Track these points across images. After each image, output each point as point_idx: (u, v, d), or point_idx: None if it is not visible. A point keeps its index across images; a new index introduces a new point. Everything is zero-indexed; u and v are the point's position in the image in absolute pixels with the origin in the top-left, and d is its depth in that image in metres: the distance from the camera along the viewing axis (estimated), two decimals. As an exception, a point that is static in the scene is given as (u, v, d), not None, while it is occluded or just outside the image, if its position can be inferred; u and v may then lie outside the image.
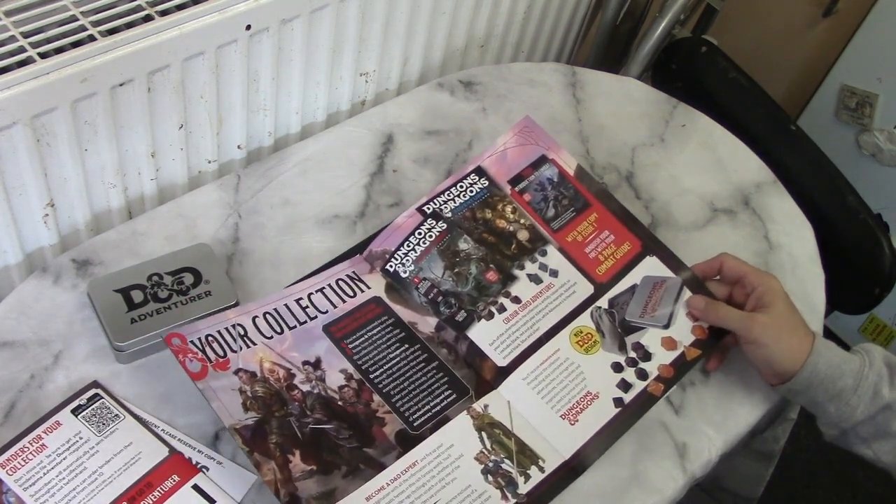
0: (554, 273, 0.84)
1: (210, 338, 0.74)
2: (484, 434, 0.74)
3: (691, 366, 0.81)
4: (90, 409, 0.72)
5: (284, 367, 0.74)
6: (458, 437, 0.73)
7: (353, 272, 0.83)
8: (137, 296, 0.78)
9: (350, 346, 0.77)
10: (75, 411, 0.72)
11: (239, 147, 0.97)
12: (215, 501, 0.69)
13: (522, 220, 0.87)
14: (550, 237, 0.86)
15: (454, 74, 1.10)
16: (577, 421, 0.75)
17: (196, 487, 0.69)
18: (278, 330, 0.77)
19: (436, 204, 0.87)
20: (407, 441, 0.73)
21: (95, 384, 0.74)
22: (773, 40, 1.71)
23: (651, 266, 0.87)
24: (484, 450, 0.73)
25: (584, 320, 0.82)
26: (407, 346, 0.78)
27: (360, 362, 0.76)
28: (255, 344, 0.75)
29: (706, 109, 1.11)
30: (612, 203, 0.90)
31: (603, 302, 0.83)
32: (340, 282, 0.82)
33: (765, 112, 1.21)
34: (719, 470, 0.81)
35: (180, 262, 0.81)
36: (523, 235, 0.86)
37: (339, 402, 0.73)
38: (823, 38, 1.64)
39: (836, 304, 1.13)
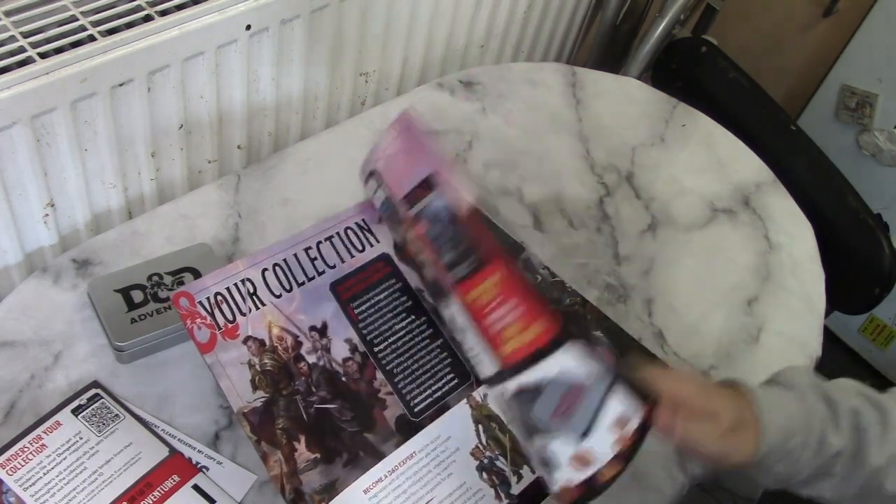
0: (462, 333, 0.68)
1: (220, 297, 0.74)
2: (481, 427, 0.74)
3: (603, 489, 0.60)
4: (90, 409, 0.72)
5: (292, 334, 0.74)
6: (455, 429, 0.73)
7: (363, 220, 0.81)
8: (137, 296, 0.78)
9: (356, 311, 0.76)
10: (75, 411, 0.72)
11: (239, 147, 0.97)
12: (215, 501, 0.69)
13: (424, 258, 0.68)
14: (450, 290, 0.66)
15: (454, 74, 1.10)
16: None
17: (196, 487, 0.69)
18: (287, 287, 0.76)
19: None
20: (406, 428, 0.73)
21: (95, 384, 0.74)
22: (773, 40, 1.71)
23: (571, 358, 0.62)
24: (479, 444, 0.73)
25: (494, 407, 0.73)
26: (413, 317, 0.77)
27: (365, 332, 0.76)
28: (263, 305, 0.75)
29: (706, 109, 1.11)
30: (518, 268, 0.70)
31: (510, 384, 0.64)
32: (349, 231, 0.80)
33: (765, 112, 1.21)
34: (719, 470, 0.81)
35: (180, 262, 0.81)
36: (429, 275, 0.69)
37: (343, 378, 0.73)
38: (823, 38, 1.64)
39: (836, 304, 1.13)
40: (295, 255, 0.78)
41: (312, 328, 0.75)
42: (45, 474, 0.68)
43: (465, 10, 1.11)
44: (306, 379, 0.73)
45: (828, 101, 1.62)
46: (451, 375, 0.76)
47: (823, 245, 0.98)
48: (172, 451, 0.71)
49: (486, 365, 0.65)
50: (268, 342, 0.73)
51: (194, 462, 0.71)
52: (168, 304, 0.78)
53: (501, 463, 0.73)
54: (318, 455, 0.70)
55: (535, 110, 1.08)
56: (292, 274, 0.77)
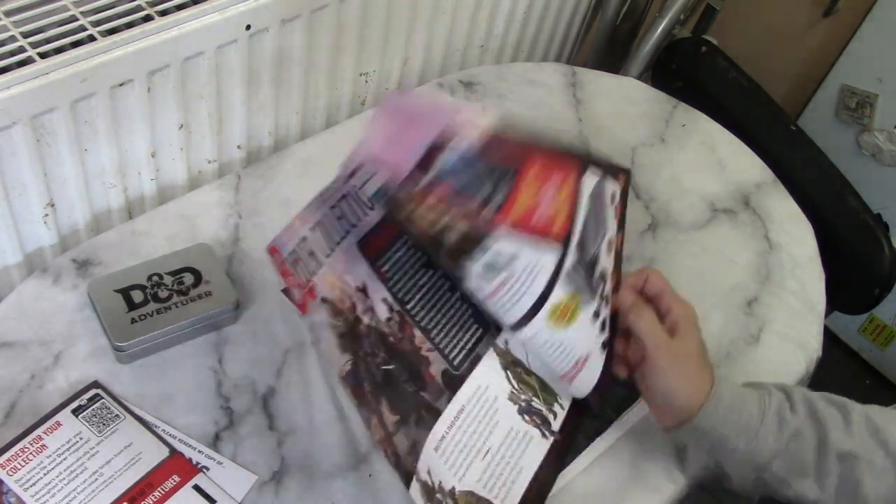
0: (509, 263, 0.67)
1: (294, 257, 0.71)
2: (509, 373, 0.73)
3: (621, 257, 0.76)
4: (90, 409, 0.72)
5: (348, 296, 0.72)
6: (491, 378, 0.72)
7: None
8: (137, 296, 0.78)
9: (384, 269, 0.73)
10: (76, 412, 0.72)
11: (239, 147, 0.97)
12: (216, 502, 0.69)
13: (449, 219, 0.65)
14: (494, 224, 0.66)
15: (454, 74, 1.10)
16: (574, 381, 0.74)
17: (197, 488, 0.69)
18: (331, 246, 0.73)
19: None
20: (452, 382, 0.71)
21: (96, 384, 0.74)
22: (773, 40, 1.71)
23: (591, 181, 0.73)
24: (514, 389, 0.72)
25: (558, 295, 0.69)
26: (432, 271, 0.74)
27: (395, 290, 0.73)
28: (321, 265, 0.72)
29: (706, 109, 1.11)
30: (544, 140, 0.71)
31: (570, 257, 0.69)
32: (356, 189, 0.74)
33: (765, 112, 1.21)
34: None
35: (180, 262, 0.81)
36: (455, 236, 0.65)
37: (391, 339, 0.72)
38: (823, 38, 1.64)
39: (836, 304, 1.13)
40: (326, 214, 0.73)
41: (358, 289, 0.72)
42: (45, 475, 0.68)
43: (465, 10, 1.11)
44: (368, 340, 0.71)
45: (828, 101, 1.62)
46: (476, 325, 0.74)
47: (823, 245, 0.98)
48: (173, 451, 0.71)
49: (547, 261, 0.67)
50: (336, 303, 0.71)
51: (195, 462, 0.71)
52: (168, 305, 0.78)
53: (537, 403, 0.73)
54: (398, 417, 0.69)
55: (535, 110, 1.08)
56: (329, 233, 0.73)
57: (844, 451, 0.67)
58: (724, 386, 0.70)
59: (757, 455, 0.68)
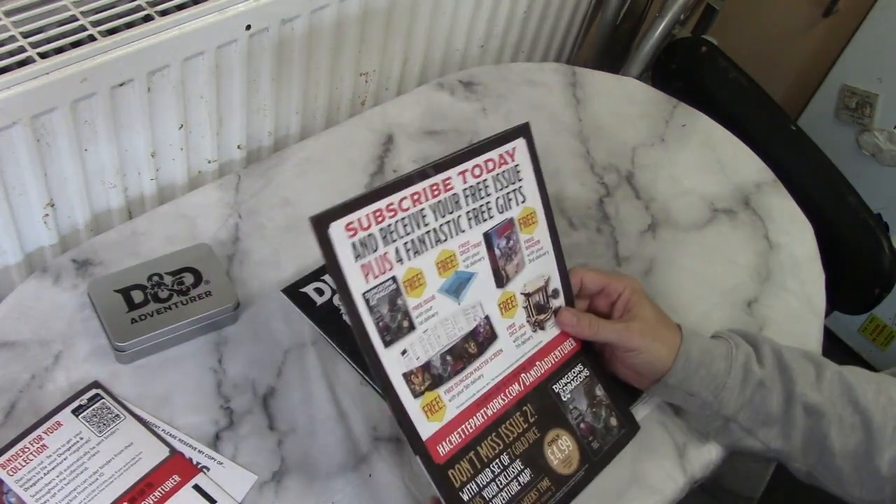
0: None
1: None
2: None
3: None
4: (91, 409, 0.72)
5: None
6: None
7: None
8: (138, 296, 0.78)
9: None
10: (76, 411, 0.72)
11: (239, 147, 0.97)
12: (216, 502, 0.69)
13: None
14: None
15: (454, 74, 1.10)
16: None
17: (197, 487, 0.69)
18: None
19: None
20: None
21: (96, 384, 0.74)
22: (773, 40, 1.71)
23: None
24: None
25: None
26: None
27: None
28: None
29: (706, 109, 1.11)
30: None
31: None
32: None
33: (765, 112, 1.21)
34: (720, 470, 0.81)
35: (180, 262, 0.81)
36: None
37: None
38: (823, 38, 1.64)
39: (836, 304, 1.13)
40: None
41: None
42: (45, 475, 0.68)
43: (465, 10, 1.11)
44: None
45: (828, 101, 1.62)
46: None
47: (823, 245, 0.98)
48: (173, 451, 0.71)
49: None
50: None
51: (195, 462, 0.71)
52: (168, 304, 0.78)
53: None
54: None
55: (535, 110, 1.08)
56: None
57: (811, 403, 0.70)
58: (693, 342, 0.73)
59: (724, 407, 0.72)
